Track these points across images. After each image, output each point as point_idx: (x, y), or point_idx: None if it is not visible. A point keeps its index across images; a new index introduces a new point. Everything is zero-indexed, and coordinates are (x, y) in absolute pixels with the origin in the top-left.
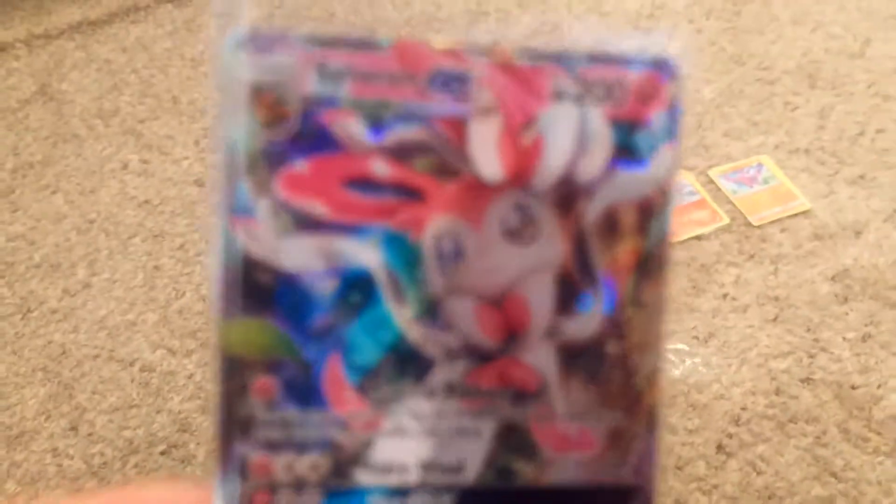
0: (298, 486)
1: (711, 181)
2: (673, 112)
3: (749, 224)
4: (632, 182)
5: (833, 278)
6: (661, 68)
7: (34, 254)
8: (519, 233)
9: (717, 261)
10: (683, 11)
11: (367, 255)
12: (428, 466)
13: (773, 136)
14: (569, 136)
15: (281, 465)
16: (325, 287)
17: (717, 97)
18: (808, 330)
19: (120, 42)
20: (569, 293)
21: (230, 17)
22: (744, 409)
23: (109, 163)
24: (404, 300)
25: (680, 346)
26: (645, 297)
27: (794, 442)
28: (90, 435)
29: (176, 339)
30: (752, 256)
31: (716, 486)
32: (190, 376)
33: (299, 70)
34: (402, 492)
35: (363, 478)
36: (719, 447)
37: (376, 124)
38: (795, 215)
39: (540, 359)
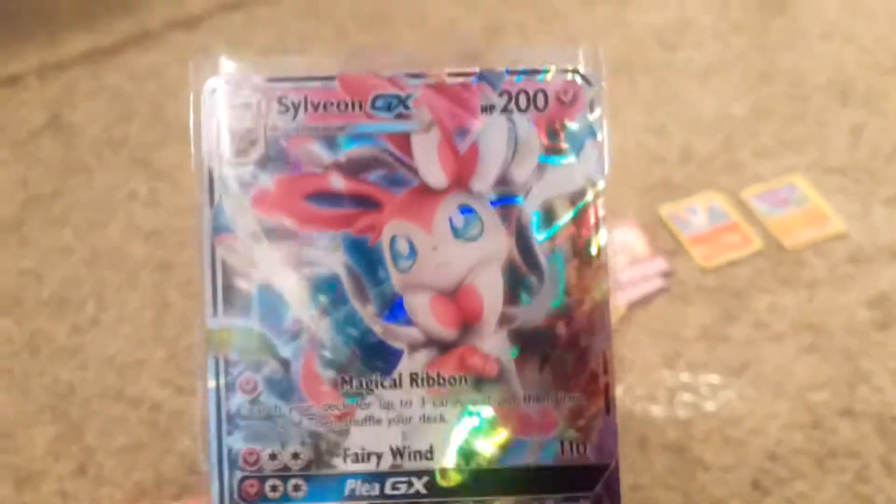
0: (284, 474)
1: (742, 203)
2: (593, 113)
3: (782, 248)
4: (562, 177)
5: (871, 303)
6: (578, 75)
7: (42, 289)
8: (466, 231)
9: (749, 287)
10: (710, 27)
11: (331, 260)
12: (400, 452)
13: (805, 156)
14: (500, 141)
15: (266, 455)
16: (296, 291)
17: (745, 115)
18: (847, 358)
19: (131, 69)
20: (517, 282)
21: (206, 70)
22: (780, 443)
23: (118, 193)
24: (368, 298)
25: (712, 377)
26: (587, 281)
27: (833, 478)
28: (98, 477)
29: (184, 376)
30: (786, 282)
31: None
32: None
33: (263, 106)
34: (378, 477)
35: (342, 465)
36: (755, 484)
37: (331, 145)
38: (830, 238)
39: (496, 344)
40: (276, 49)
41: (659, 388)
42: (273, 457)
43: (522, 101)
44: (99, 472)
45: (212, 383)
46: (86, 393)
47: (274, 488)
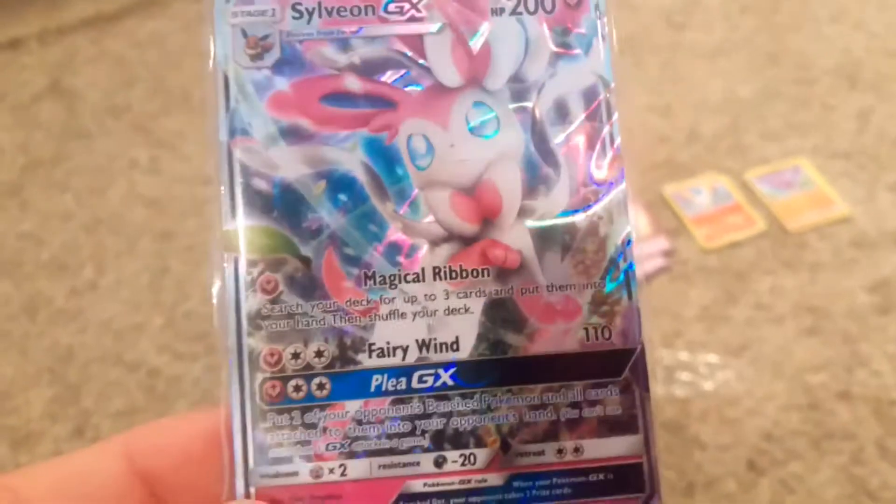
0: (307, 373)
1: (746, 184)
2: (598, 14)
3: (785, 230)
4: (573, 75)
5: (873, 288)
6: None
7: (42, 253)
8: (482, 127)
9: (751, 268)
10: (718, 8)
11: (349, 158)
12: (426, 345)
13: (811, 139)
14: (512, 41)
15: (289, 355)
16: (315, 190)
17: (752, 97)
18: (846, 342)
19: (133, 37)
20: (534, 176)
21: None
22: (777, 424)
23: (119, 160)
24: (387, 196)
25: (711, 357)
26: (601, 174)
27: (828, 460)
28: (95, 439)
29: (182, 342)
30: (787, 264)
31: None
32: (196, 381)
33: (278, 13)
34: (404, 371)
35: (367, 361)
36: (750, 464)
37: (345, 48)
38: (834, 221)
39: (517, 237)
40: None
41: (657, 366)
42: (296, 356)
43: (531, 4)
44: (96, 434)
45: (230, 285)
46: (84, 356)
47: (297, 388)
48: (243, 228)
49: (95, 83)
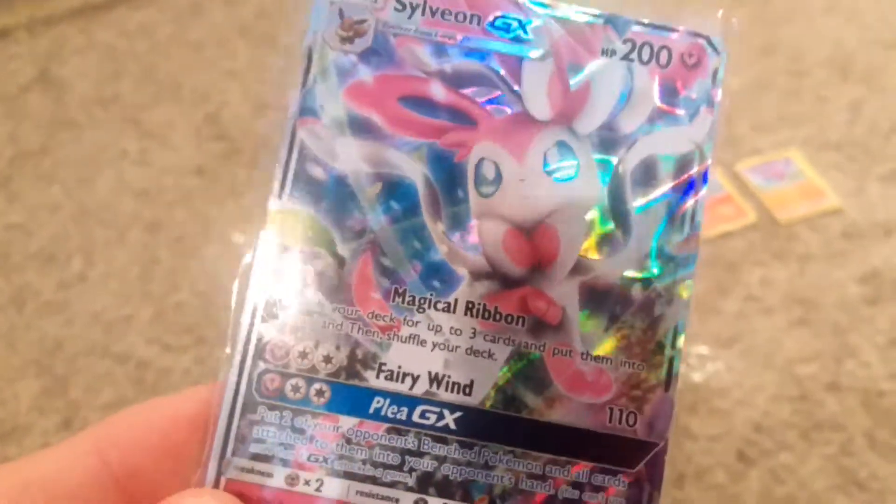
0: (309, 375)
1: (737, 176)
2: (714, 82)
3: (776, 221)
4: (671, 138)
5: (863, 279)
6: (706, 41)
7: (30, 245)
8: (559, 168)
9: (742, 260)
10: None
11: (412, 166)
12: (437, 381)
13: (803, 131)
14: (615, 87)
15: (296, 352)
16: (369, 190)
17: (744, 89)
18: (836, 333)
19: (122, 27)
20: (601, 234)
21: None
22: (766, 415)
23: (107, 151)
24: (440, 216)
25: (701, 348)
26: (673, 250)
27: (817, 450)
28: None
29: (171, 334)
30: (778, 255)
31: (735, 496)
32: (185, 373)
33: (380, 0)
34: (409, 401)
35: (373, 380)
36: (740, 455)
37: (440, 53)
38: (824, 213)
39: (564, 293)
40: None
41: None
42: (303, 355)
43: (646, 52)
44: (84, 426)
45: (258, 265)
46: (72, 348)
47: (295, 388)
48: (287, 211)
49: (84, 73)
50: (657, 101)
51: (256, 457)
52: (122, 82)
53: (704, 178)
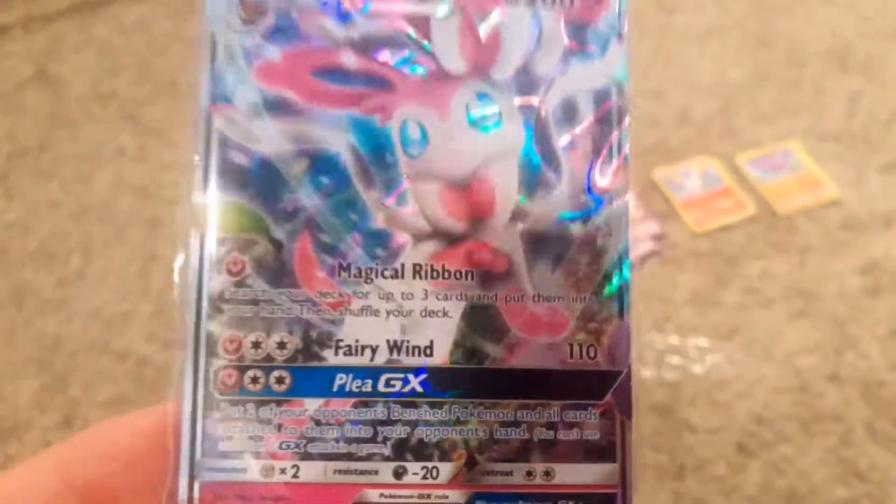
0: (266, 364)
1: (736, 168)
2: (619, 13)
3: (775, 213)
4: (586, 73)
5: (862, 271)
6: None
7: (28, 242)
8: (482, 120)
9: (742, 252)
10: None
11: (335, 139)
12: (397, 347)
13: (802, 122)
14: (524, 32)
15: (249, 343)
16: (295, 169)
17: (743, 80)
18: (836, 324)
19: (119, 23)
20: (533, 177)
21: None
22: (767, 407)
23: (105, 148)
24: (372, 183)
25: (701, 341)
26: (606, 183)
27: (818, 442)
28: (83, 429)
29: (171, 331)
30: (778, 247)
31: (736, 487)
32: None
33: None
34: (371, 372)
35: (332, 358)
36: (740, 447)
37: (345, 22)
38: (824, 204)
39: (507, 240)
40: None
41: (647, 350)
42: (256, 345)
43: None
44: (84, 424)
45: (194, 262)
46: (71, 345)
47: (254, 380)
48: (214, 203)
49: (81, 70)
50: (567, 40)
51: (227, 454)
52: (120, 79)
53: (623, 107)
